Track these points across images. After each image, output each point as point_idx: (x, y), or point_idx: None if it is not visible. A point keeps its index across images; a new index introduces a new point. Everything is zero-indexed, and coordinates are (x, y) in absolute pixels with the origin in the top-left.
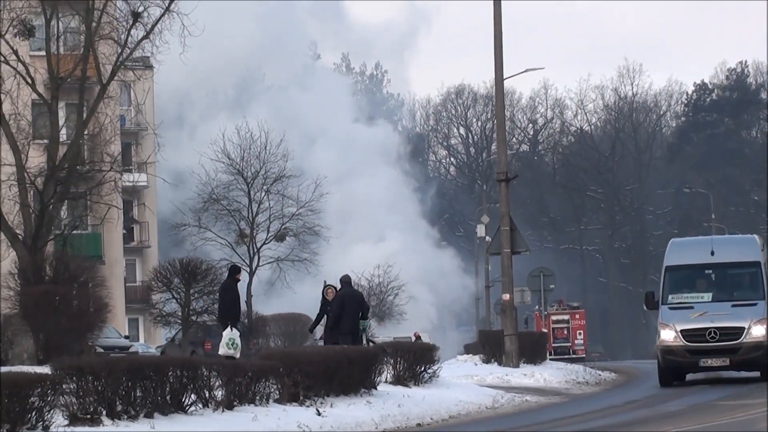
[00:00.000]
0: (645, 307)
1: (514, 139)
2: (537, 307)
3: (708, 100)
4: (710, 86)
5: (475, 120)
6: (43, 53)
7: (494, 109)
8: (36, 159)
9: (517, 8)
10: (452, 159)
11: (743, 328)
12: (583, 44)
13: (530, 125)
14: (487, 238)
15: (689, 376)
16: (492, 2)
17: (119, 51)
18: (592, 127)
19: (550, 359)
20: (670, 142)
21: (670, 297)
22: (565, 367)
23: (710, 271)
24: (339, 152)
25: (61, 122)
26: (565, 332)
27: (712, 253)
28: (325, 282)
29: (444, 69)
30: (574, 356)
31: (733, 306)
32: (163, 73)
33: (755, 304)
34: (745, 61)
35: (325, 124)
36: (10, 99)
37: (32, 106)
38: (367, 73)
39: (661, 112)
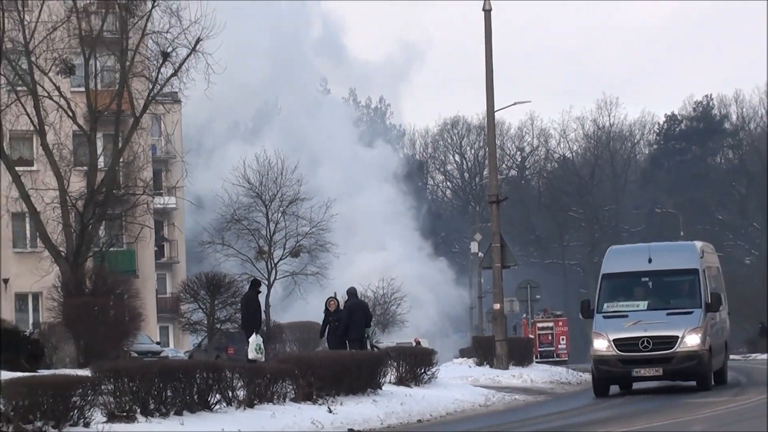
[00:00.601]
0: (581, 316)
1: (503, 165)
2: (524, 315)
3: (677, 129)
4: (679, 117)
5: (468, 148)
6: (83, 89)
7: (486, 139)
8: (77, 184)
9: (506, 45)
10: (448, 183)
11: (677, 337)
12: (566, 79)
13: (518, 152)
14: (480, 254)
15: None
16: (483, 43)
17: (150, 87)
18: (574, 154)
19: (536, 362)
20: (643, 168)
21: (605, 305)
22: (550, 368)
23: (647, 279)
24: (343, 171)
25: (99, 151)
26: (550, 338)
27: (650, 261)
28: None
29: (441, 102)
30: (557, 359)
31: (669, 314)
32: (189, 105)
33: (691, 313)
34: (710, 95)
35: (330, 146)
36: (54, 130)
37: (73, 137)
38: (372, 106)
39: (635, 141)
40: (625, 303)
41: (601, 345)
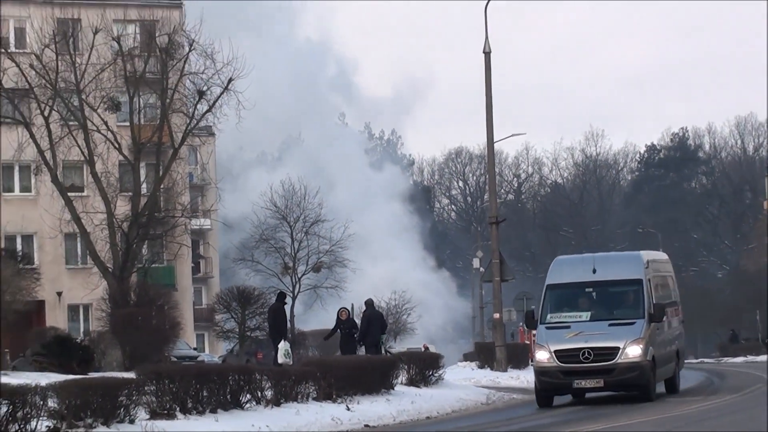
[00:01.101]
0: (525, 327)
1: (502, 190)
2: (521, 323)
3: (656, 158)
4: (658, 147)
5: (471, 175)
6: (128, 124)
7: (486, 167)
8: (122, 208)
9: (504, 82)
10: (453, 206)
11: (618, 349)
12: (557, 113)
13: (515, 179)
14: (481, 269)
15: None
16: (484, 81)
17: (188, 122)
18: (564, 180)
19: (532, 365)
20: (626, 192)
21: (548, 316)
22: None
23: (590, 290)
24: (356, 192)
25: (141, 178)
26: None
27: (594, 271)
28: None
29: (446, 133)
30: None
31: (611, 325)
32: (222, 137)
33: (633, 324)
34: (686, 127)
35: (345, 171)
36: (102, 160)
37: (119, 166)
38: (385, 138)
39: (619, 168)
40: (568, 314)
41: (542, 356)
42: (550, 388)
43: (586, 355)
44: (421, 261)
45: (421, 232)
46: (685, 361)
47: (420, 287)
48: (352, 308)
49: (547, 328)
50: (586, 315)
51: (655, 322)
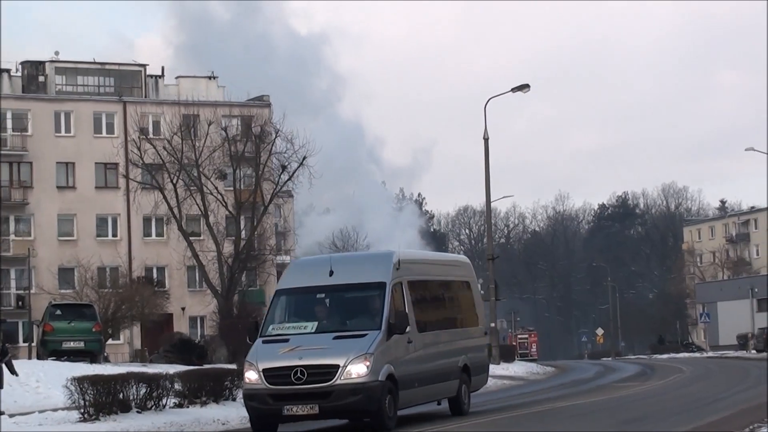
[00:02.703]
0: (248, 340)
1: (496, 235)
2: (509, 330)
3: (606, 213)
4: (607, 205)
5: (474, 224)
6: (232, 188)
7: (485, 219)
8: (227, 248)
9: (498, 158)
10: (461, 246)
11: (338, 367)
12: (536, 181)
13: (505, 228)
14: (482, 292)
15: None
16: (483, 159)
17: (274, 187)
18: (541, 228)
19: (517, 360)
20: (584, 237)
21: (270, 327)
22: (526, 364)
23: (324, 296)
24: (385, 228)
25: (242, 227)
26: (526, 345)
27: (331, 273)
28: None
29: (457, 194)
30: (530, 358)
31: (336, 338)
32: (298, 198)
33: (363, 336)
34: (627, 191)
35: (379, 217)
36: (213, 214)
37: (225, 218)
38: (413, 199)
39: (579, 220)
40: (293, 325)
41: (251, 377)
42: (259, 415)
43: (299, 375)
44: None
45: None
46: (610, 358)
47: None
48: None
49: (264, 341)
50: (311, 326)
51: (397, 333)
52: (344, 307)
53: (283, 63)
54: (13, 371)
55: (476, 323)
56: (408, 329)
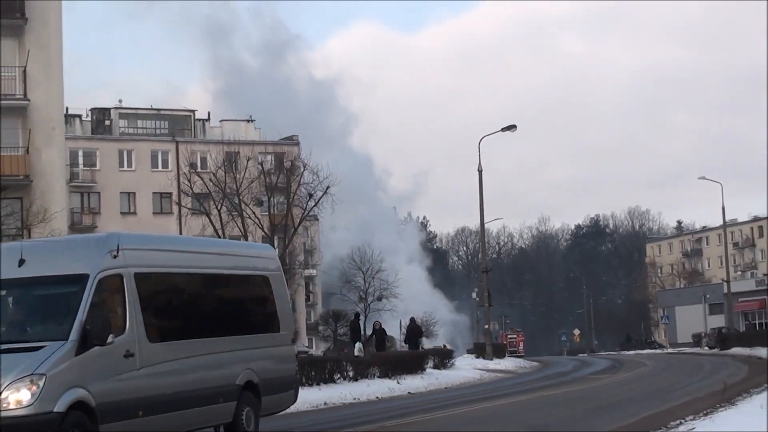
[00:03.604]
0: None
1: (489, 252)
2: (500, 330)
3: (581, 232)
4: (582, 226)
5: (470, 242)
6: (267, 213)
7: (480, 238)
8: None
9: (491, 184)
10: (460, 261)
11: None
12: (522, 206)
13: (497, 245)
14: (476, 299)
15: None
16: (478, 189)
17: (303, 212)
18: (526, 245)
19: (508, 356)
20: (563, 253)
21: None
22: (515, 360)
23: (6, 292)
24: (392, 242)
25: (275, 246)
26: (514, 343)
27: (21, 263)
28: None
29: (456, 216)
30: (518, 355)
31: (2, 353)
32: (323, 222)
33: (40, 349)
34: (599, 214)
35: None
36: (251, 235)
37: (261, 239)
38: (420, 221)
39: (559, 238)
40: None
41: None
42: None
43: None
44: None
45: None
46: (585, 354)
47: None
48: (400, 324)
49: None
50: None
51: (98, 344)
52: (31, 308)
53: (305, 103)
54: None
55: (276, 328)
56: (114, 338)
